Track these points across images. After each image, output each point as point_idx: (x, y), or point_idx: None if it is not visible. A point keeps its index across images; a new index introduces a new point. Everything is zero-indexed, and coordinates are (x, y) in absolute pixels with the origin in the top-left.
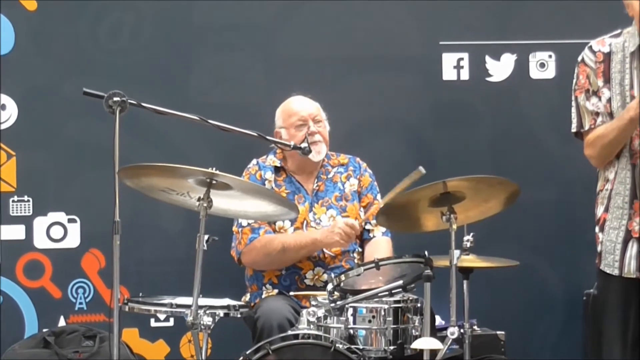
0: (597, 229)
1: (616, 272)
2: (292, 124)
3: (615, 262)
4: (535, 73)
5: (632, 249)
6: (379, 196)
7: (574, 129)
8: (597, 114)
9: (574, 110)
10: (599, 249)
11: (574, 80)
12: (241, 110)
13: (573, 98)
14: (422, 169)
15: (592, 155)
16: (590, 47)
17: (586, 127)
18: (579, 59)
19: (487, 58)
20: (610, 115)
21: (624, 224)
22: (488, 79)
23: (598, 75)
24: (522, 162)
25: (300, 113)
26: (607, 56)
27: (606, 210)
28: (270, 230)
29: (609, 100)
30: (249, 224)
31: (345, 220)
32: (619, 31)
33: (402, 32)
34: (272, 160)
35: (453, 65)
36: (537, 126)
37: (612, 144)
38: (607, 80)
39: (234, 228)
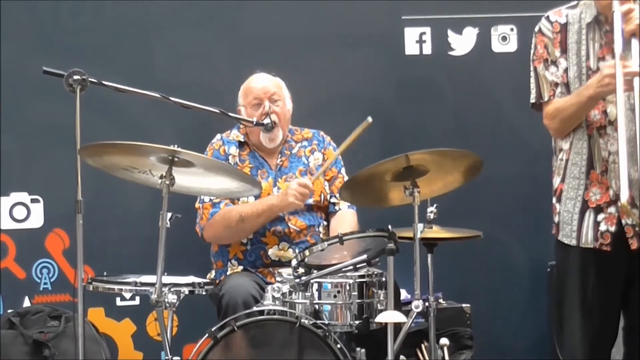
0: (554, 200)
1: (574, 242)
2: (249, 102)
3: (572, 232)
4: (497, 46)
5: (589, 219)
6: (343, 170)
7: (532, 99)
8: (556, 84)
9: (532, 80)
10: (556, 219)
11: (532, 51)
12: (204, 88)
13: (532, 68)
14: (369, 119)
15: (551, 126)
16: (547, 17)
17: (545, 98)
18: (536, 29)
19: (450, 32)
20: (567, 85)
21: (581, 194)
22: (450, 52)
23: (555, 45)
24: (486, 135)
25: (255, 92)
26: (564, 27)
27: (562, 180)
28: (231, 204)
29: (566, 70)
30: (210, 200)
31: (297, 181)
32: (575, 2)
33: (364, 7)
34: (235, 135)
35: (415, 40)
36: (500, 99)
37: (572, 118)
38: (564, 51)
39: (197, 204)
